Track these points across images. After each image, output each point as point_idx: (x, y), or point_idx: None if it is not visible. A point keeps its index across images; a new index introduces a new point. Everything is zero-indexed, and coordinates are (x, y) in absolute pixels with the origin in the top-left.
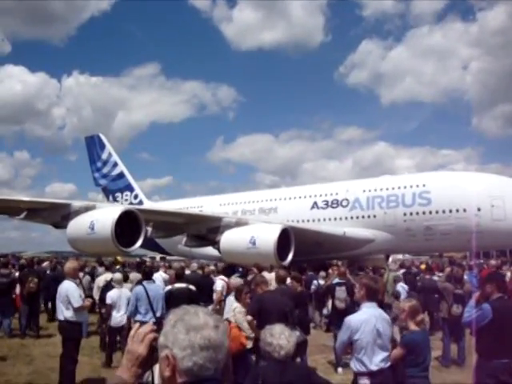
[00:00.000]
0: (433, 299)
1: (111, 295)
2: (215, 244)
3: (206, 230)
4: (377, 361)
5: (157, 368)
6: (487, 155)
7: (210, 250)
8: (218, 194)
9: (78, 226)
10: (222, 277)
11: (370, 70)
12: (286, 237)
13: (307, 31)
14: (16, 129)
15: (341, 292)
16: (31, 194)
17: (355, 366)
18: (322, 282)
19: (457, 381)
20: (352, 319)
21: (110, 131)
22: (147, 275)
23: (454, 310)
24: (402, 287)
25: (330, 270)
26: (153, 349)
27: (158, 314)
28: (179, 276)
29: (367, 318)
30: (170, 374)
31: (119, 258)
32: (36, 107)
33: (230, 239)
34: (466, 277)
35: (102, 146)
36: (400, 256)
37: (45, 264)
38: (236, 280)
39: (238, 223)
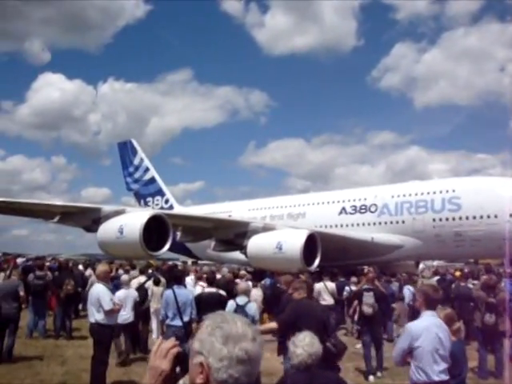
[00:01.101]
0: (467, 307)
1: (119, 295)
2: (242, 249)
3: (233, 234)
4: (438, 371)
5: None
6: None
7: (237, 255)
8: (250, 198)
9: (107, 229)
10: (202, 283)
11: (404, 73)
12: (312, 242)
13: (339, 36)
14: (53, 135)
15: (368, 297)
16: (67, 198)
17: (415, 375)
18: (354, 287)
19: None
20: (413, 326)
21: (144, 136)
22: (177, 279)
23: (486, 320)
24: (408, 289)
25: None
26: (176, 364)
27: (186, 319)
28: (209, 281)
29: (428, 325)
30: (202, 382)
31: (152, 261)
32: (73, 113)
33: (257, 244)
34: (503, 284)
35: (134, 152)
36: (434, 263)
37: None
38: (244, 284)
39: (265, 228)
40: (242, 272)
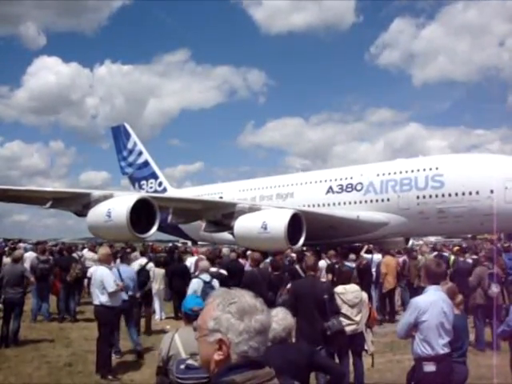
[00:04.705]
0: (466, 282)
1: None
2: (231, 229)
3: (221, 215)
4: (442, 344)
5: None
6: None
7: (227, 235)
8: (249, 178)
9: (96, 213)
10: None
11: (402, 49)
12: (297, 221)
13: (338, 12)
14: (51, 119)
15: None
16: (66, 183)
17: (419, 348)
18: (353, 265)
19: (492, 365)
20: (420, 300)
21: (142, 119)
22: (121, 259)
23: (492, 290)
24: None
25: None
26: None
27: (130, 293)
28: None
29: (435, 299)
30: (223, 358)
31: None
32: (70, 97)
33: (243, 224)
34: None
35: (128, 136)
36: (432, 239)
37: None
38: (205, 262)
39: (251, 209)
40: (248, 252)
